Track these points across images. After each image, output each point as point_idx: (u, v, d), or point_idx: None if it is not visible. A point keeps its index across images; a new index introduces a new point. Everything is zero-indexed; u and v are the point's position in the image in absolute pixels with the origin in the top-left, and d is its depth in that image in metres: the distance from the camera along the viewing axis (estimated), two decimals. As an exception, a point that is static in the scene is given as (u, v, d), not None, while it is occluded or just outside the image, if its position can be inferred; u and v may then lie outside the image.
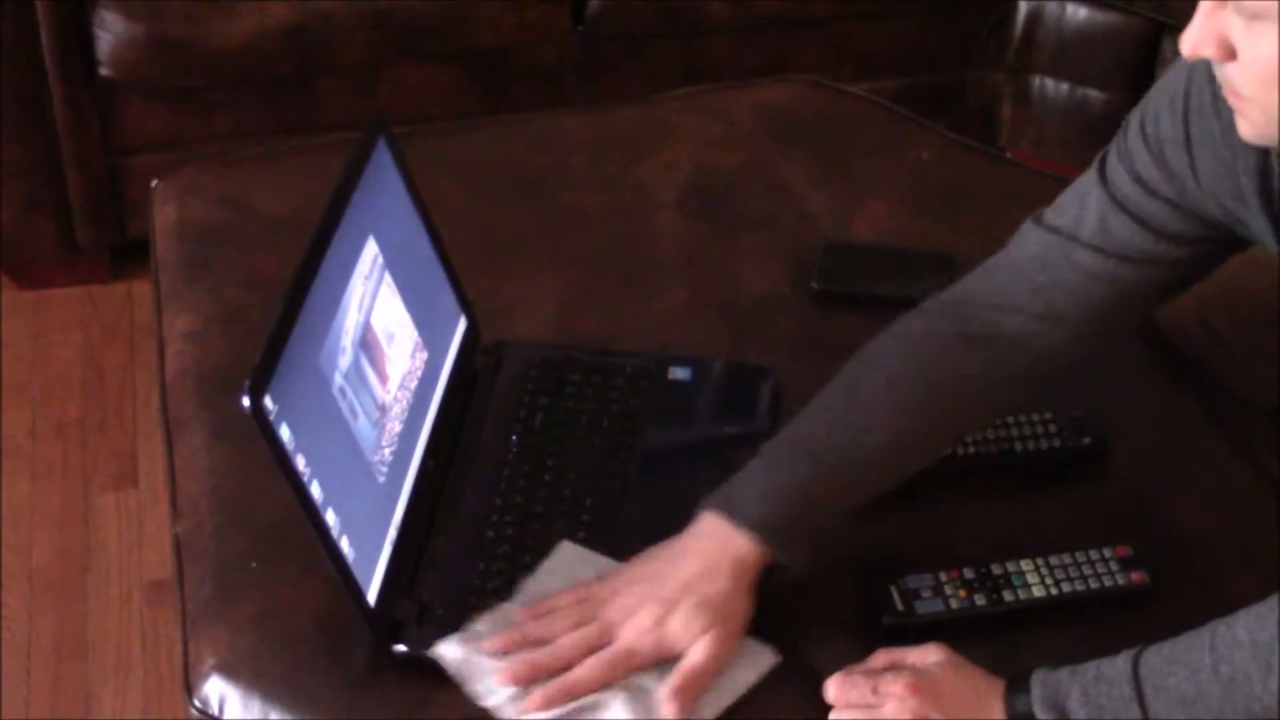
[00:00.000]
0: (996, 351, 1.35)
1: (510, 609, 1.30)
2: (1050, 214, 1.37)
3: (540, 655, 1.25)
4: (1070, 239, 1.34)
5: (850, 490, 1.32)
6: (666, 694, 1.24)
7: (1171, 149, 1.27)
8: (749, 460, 1.32)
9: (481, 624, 1.28)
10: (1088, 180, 1.35)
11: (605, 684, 1.24)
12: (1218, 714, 1.15)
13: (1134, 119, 1.31)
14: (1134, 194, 1.30)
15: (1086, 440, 1.44)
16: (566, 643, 1.26)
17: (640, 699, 1.24)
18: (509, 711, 1.24)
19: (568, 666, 1.25)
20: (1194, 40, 1.09)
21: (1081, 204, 1.34)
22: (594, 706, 1.24)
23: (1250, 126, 1.13)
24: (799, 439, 1.33)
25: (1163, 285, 1.34)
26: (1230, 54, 1.08)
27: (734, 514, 1.28)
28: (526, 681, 1.24)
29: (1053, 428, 1.44)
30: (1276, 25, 1.05)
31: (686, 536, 1.30)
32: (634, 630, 1.26)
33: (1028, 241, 1.37)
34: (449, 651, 1.26)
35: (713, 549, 1.28)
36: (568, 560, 1.34)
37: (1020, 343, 1.36)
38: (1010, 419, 1.45)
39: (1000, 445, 1.44)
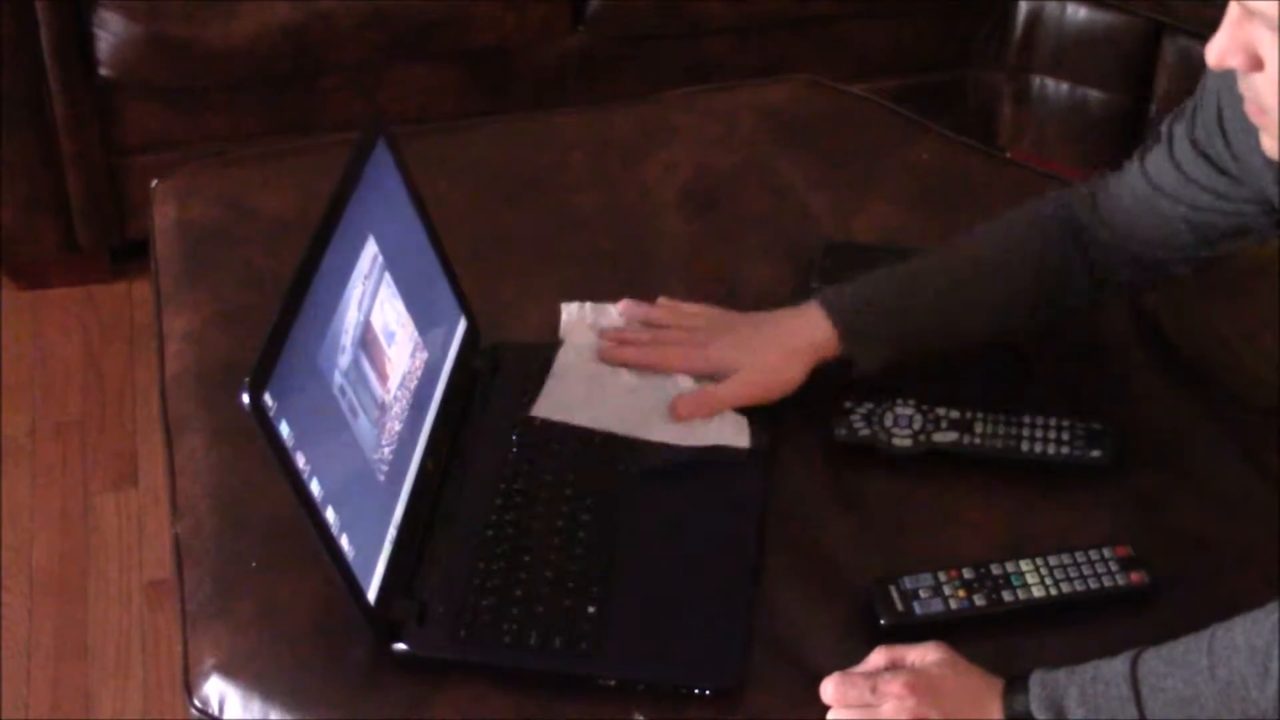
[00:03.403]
0: (1091, 257, 1.46)
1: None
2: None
3: (638, 334, 1.52)
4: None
5: (929, 320, 1.47)
6: (680, 400, 1.45)
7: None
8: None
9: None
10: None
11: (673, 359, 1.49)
12: (1213, 715, 1.15)
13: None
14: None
15: (1095, 454, 1.43)
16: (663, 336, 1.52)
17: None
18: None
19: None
20: (1220, 50, 1.09)
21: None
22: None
23: (1274, 142, 1.12)
24: (900, 271, 1.49)
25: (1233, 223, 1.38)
26: (1257, 64, 1.08)
27: (824, 303, 1.46)
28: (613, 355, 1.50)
29: (1065, 434, 1.43)
30: None
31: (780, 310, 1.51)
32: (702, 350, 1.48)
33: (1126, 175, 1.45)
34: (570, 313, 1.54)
35: (791, 319, 1.48)
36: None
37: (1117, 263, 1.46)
38: (1026, 418, 1.44)
39: (1007, 441, 1.43)
